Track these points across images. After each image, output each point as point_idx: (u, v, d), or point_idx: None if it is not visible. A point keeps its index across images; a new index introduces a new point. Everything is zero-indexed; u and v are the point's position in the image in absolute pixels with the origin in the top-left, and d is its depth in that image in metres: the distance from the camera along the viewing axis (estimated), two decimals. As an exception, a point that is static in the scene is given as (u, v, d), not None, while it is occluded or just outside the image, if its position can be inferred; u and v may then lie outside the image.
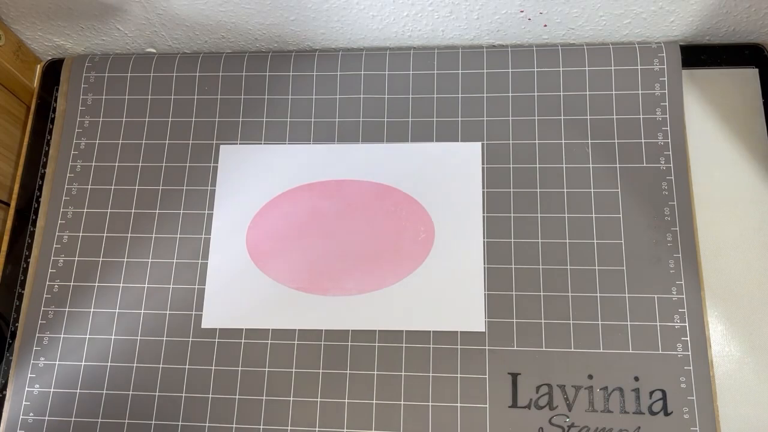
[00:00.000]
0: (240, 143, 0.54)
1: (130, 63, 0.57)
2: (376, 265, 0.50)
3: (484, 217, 0.50)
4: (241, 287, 0.50)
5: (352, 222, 0.51)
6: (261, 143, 0.54)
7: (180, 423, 0.48)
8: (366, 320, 0.49)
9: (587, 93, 0.53)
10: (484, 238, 0.50)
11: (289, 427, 0.47)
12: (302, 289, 0.50)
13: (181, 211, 0.53)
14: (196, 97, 0.55)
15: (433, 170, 0.52)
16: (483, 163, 0.51)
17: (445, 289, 0.49)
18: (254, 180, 0.53)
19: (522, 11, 0.51)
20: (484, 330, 0.48)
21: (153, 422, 0.48)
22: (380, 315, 0.49)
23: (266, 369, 0.48)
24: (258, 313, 0.50)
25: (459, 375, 0.47)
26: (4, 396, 0.50)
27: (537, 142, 0.52)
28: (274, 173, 0.53)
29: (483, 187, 0.51)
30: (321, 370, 0.48)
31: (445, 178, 0.51)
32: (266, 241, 0.51)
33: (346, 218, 0.51)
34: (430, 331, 0.48)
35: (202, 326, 0.50)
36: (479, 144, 0.52)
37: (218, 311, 0.50)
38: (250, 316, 0.50)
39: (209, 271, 0.51)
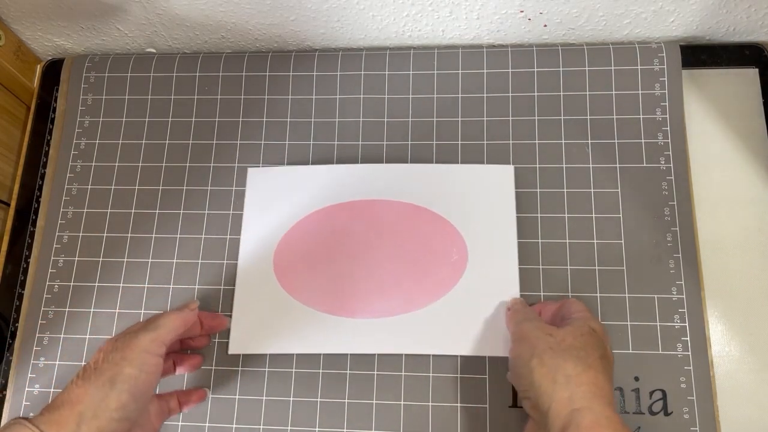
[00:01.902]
0: (263, 165, 0.53)
1: (130, 63, 0.57)
2: (407, 287, 0.48)
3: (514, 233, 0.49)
4: (269, 311, 0.49)
5: (382, 243, 0.49)
6: (284, 164, 0.53)
7: (180, 423, 0.48)
8: (394, 344, 0.47)
9: (587, 93, 0.53)
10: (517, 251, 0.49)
11: (289, 427, 0.47)
12: (331, 312, 0.48)
13: (181, 211, 0.53)
14: (196, 97, 0.55)
15: (465, 191, 0.50)
16: (514, 186, 0.50)
17: (482, 312, 0.47)
18: (281, 201, 0.51)
19: (522, 11, 0.51)
20: None
21: (153, 422, 0.48)
22: (409, 338, 0.47)
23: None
24: (285, 336, 0.48)
25: (459, 375, 0.47)
26: (4, 396, 0.50)
27: (537, 142, 0.52)
28: (300, 194, 0.51)
29: (515, 210, 0.50)
30: (321, 370, 0.48)
31: (478, 198, 0.50)
32: (294, 264, 0.50)
33: (375, 239, 0.49)
34: (457, 356, 0.47)
35: (229, 352, 0.48)
36: (512, 167, 0.51)
37: (246, 335, 0.48)
38: (278, 339, 0.48)
39: (236, 294, 0.49)
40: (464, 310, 0.47)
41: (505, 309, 0.47)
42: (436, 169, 0.51)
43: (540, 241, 0.49)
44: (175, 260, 0.51)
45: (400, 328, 0.47)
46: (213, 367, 0.48)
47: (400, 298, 0.48)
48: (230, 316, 0.49)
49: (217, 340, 0.49)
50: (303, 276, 0.49)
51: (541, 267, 0.49)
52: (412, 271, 0.49)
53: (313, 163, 0.53)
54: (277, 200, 0.51)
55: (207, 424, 0.47)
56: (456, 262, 0.49)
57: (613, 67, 0.53)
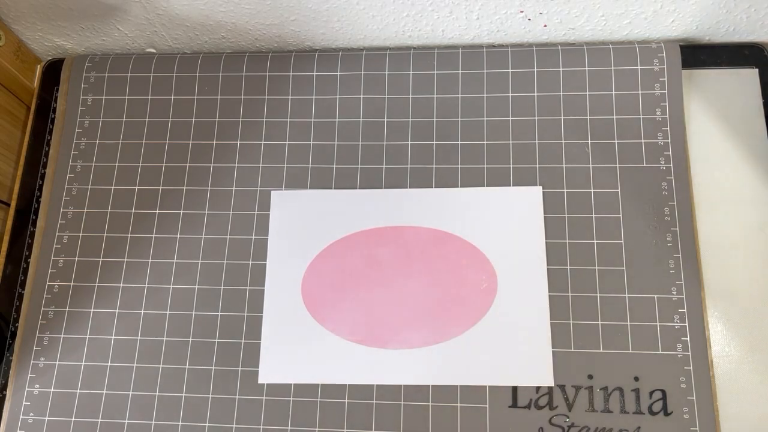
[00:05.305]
0: (286, 188, 0.52)
1: (130, 63, 0.57)
2: (438, 317, 0.48)
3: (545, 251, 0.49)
4: (299, 340, 0.48)
5: (412, 271, 0.49)
6: (307, 188, 0.52)
7: (180, 423, 0.48)
8: (425, 375, 0.47)
9: (587, 93, 0.53)
10: (546, 276, 0.48)
11: (289, 427, 0.47)
12: (363, 342, 0.48)
13: (181, 211, 0.53)
14: (196, 97, 0.55)
15: (492, 215, 0.50)
16: (542, 209, 0.50)
17: (512, 341, 0.47)
18: (307, 227, 0.51)
19: (522, 11, 0.51)
20: (553, 384, 0.46)
21: (153, 422, 0.48)
22: (440, 369, 0.47)
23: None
24: (316, 366, 0.48)
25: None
26: (4, 396, 0.50)
27: (537, 142, 0.52)
28: (326, 220, 0.51)
29: (544, 236, 0.49)
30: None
31: (505, 222, 0.50)
32: (324, 292, 0.49)
33: (405, 267, 0.49)
34: (486, 386, 0.47)
35: (260, 381, 0.48)
36: (539, 189, 0.50)
37: (276, 364, 0.48)
38: (309, 369, 0.48)
39: (264, 322, 0.49)
40: (494, 339, 0.47)
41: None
42: (461, 193, 0.51)
43: (545, 241, 0.49)
44: (175, 260, 0.51)
45: (431, 358, 0.47)
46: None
47: (431, 328, 0.48)
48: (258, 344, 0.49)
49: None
50: (333, 305, 0.49)
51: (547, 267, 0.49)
52: (443, 300, 0.48)
53: (314, 162, 0.53)
54: (303, 225, 0.51)
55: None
56: (486, 290, 0.48)
57: (613, 67, 0.53)
